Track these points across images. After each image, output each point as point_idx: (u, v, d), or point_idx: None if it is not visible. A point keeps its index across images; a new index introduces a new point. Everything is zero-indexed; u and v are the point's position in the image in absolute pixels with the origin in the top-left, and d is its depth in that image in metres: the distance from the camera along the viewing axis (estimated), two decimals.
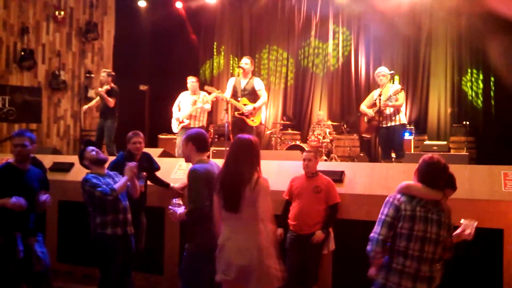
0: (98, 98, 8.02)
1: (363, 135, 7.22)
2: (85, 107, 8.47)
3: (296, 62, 11.57)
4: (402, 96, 6.68)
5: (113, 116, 7.82)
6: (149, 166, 5.00)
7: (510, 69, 8.93)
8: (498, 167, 4.64)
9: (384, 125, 6.56)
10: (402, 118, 6.66)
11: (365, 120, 6.78)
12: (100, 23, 10.29)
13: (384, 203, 2.91)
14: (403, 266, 2.82)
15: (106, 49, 10.39)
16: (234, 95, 6.94)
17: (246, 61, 7.04)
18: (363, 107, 6.87)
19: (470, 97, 10.07)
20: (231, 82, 7.14)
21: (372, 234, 2.88)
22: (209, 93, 7.38)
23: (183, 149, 3.79)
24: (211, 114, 11.28)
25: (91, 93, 9.88)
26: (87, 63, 10.13)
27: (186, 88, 7.75)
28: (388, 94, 6.56)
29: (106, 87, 7.77)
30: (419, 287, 2.82)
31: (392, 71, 6.97)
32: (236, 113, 6.86)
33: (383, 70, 6.86)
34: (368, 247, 2.88)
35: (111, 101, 7.71)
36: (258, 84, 6.99)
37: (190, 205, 3.46)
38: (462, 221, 3.15)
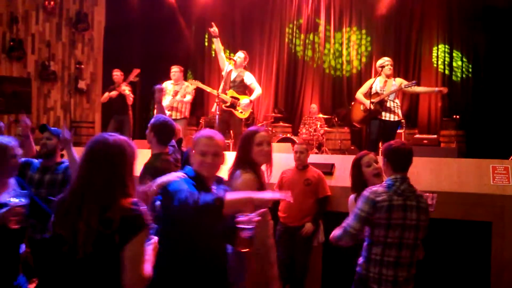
0: (115, 92, 8.36)
1: (356, 124, 7.07)
2: (106, 95, 8.53)
3: (287, 54, 11.55)
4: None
5: (128, 112, 8.46)
6: None
7: (499, 57, 8.99)
8: (487, 160, 4.69)
9: (382, 118, 6.45)
10: (400, 114, 6.56)
11: (361, 108, 6.61)
12: (90, 13, 10.18)
13: (361, 196, 2.91)
14: (382, 256, 2.85)
15: (97, 39, 10.28)
16: (223, 85, 6.91)
17: (240, 55, 7.02)
18: (360, 95, 6.62)
19: (459, 85, 10.16)
20: (225, 70, 7.10)
21: (344, 224, 2.89)
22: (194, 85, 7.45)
23: (147, 133, 3.69)
24: (203, 106, 11.28)
25: (81, 84, 9.82)
26: (77, 54, 10.03)
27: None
28: (393, 89, 6.38)
29: (127, 87, 8.32)
30: (400, 275, 2.85)
31: (415, 81, 6.79)
32: (223, 105, 6.83)
33: (390, 60, 6.64)
34: (336, 233, 2.90)
35: (131, 100, 8.40)
36: (249, 78, 6.98)
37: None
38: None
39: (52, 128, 3.95)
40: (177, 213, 2.32)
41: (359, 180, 3.46)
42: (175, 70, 7.53)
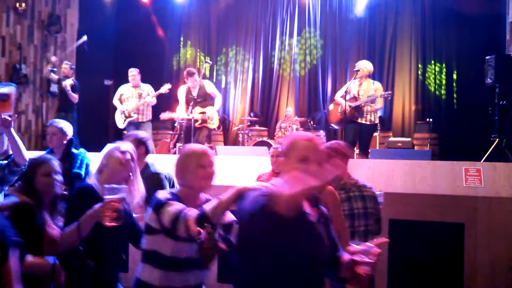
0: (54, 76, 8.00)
1: (333, 125, 7.21)
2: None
3: (264, 58, 11.56)
4: (381, 100, 6.65)
5: (74, 110, 7.91)
6: None
7: (471, 62, 9.17)
8: (460, 163, 4.76)
9: (358, 121, 6.53)
10: (376, 118, 6.64)
11: (339, 111, 6.70)
12: (63, 15, 10.01)
13: None
14: None
15: (69, 42, 10.12)
16: (187, 103, 7.04)
17: (191, 74, 7.12)
18: (339, 98, 6.70)
19: (432, 89, 10.34)
20: (182, 91, 7.21)
21: None
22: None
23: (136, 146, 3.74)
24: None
25: (53, 87, 9.63)
26: (50, 57, 9.83)
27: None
28: (371, 93, 6.46)
29: (70, 82, 7.80)
30: None
31: (390, 92, 6.84)
32: (196, 124, 6.95)
33: (363, 63, 6.73)
34: None
35: (75, 97, 7.83)
36: (209, 86, 7.24)
37: None
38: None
39: None
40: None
41: None
42: (134, 73, 7.51)
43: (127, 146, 2.84)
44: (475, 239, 4.36)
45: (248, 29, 11.66)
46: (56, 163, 2.80)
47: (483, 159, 6.05)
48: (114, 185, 2.46)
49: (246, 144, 9.41)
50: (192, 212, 2.19)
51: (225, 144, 10.58)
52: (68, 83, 7.77)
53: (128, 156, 2.77)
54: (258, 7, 11.59)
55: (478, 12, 9.13)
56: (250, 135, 9.81)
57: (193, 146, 2.54)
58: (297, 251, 1.90)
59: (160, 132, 10.22)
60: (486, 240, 4.34)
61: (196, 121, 6.90)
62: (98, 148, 6.75)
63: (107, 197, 2.41)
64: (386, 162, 4.98)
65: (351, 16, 10.83)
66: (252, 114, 10.80)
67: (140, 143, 3.75)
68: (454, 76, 10.14)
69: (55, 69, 8.44)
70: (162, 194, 2.40)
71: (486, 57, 6.88)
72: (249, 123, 10.34)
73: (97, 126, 10.35)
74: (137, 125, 7.48)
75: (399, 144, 8.69)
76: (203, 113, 6.98)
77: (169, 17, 11.85)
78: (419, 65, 10.44)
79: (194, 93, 6.99)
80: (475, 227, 4.36)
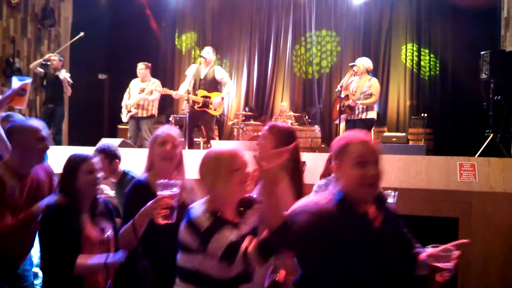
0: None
1: (335, 122, 7.23)
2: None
3: (259, 53, 11.54)
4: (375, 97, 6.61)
5: (63, 103, 7.93)
6: None
7: (466, 57, 9.19)
8: (454, 158, 4.76)
9: (352, 118, 6.54)
10: (371, 113, 6.59)
11: (337, 108, 6.72)
12: (57, 9, 9.94)
13: None
14: None
15: (63, 36, 10.05)
16: (193, 84, 6.86)
17: (208, 51, 6.98)
18: (338, 94, 6.77)
19: (427, 84, 10.35)
20: (191, 70, 7.02)
21: None
22: (161, 92, 7.33)
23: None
24: (172, 104, 11.17)
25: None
26: (43, 50, 9.77)
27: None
28: (364, 90, 6.46)
29: (68, 74, 7.76)
30: None
31: (369, 93, 6.65)
32: (196, 106, 6.78)
33: (361, 59, 6.75)
34: None
35: (70, 90, 7.77)
36: (219, 72, 6.95)
37: None
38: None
39: None
40: None
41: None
42: (140, 67, 7.46)
43: (164, 134, 2.60)
44: (469, 234, 4.36)
45: (243, 23, 11.63)
46: (97, 160, 2.65)
47: (478, 154, 6.06)
48: (167, 180, 2.30)
49: (241, 139, 9.39)
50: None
51: (220, 138, 10.56)
52: (67, 75, 7.70)
53: (169, 147, 2.57)
54: (254, 1, 11.55)
55: (473, 7, 9.13)
56: (245, 129, 9.79)
57: (219, 149, 2.19)
58: (361, 263, 1.85)
59: (155, 127, 10.18)
60: (480, 235, 4.35)
61: (197, 103, 6.77)
62: (92, 142, 6.73)
63: (160, 193, 2.26)
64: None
65: (346, 11, 10.82)
66: (247, 109, 10.78)
67: (113, 157, 3.61)
68: (449, 71, 10.17)
69: (48, 62, 8.38)
70: (199, 217, 2.04)
71: (481, 52, 6.88)
72: (244, 118, 10.32)
73: (91, 120, 10.30)
74: (137, 120, 7.44)
75: (394, 139, 8.71)
76: (207, 97, 6.81)
77: (163, 10, 11.79)
78: (414, 61, 10.46)
79: (201, 75, 6.83)
80: (469, 222, 4.37)
